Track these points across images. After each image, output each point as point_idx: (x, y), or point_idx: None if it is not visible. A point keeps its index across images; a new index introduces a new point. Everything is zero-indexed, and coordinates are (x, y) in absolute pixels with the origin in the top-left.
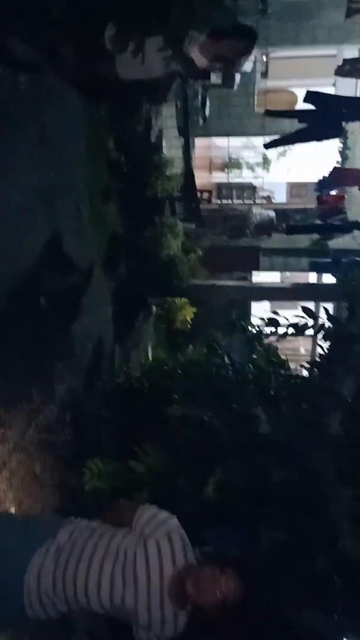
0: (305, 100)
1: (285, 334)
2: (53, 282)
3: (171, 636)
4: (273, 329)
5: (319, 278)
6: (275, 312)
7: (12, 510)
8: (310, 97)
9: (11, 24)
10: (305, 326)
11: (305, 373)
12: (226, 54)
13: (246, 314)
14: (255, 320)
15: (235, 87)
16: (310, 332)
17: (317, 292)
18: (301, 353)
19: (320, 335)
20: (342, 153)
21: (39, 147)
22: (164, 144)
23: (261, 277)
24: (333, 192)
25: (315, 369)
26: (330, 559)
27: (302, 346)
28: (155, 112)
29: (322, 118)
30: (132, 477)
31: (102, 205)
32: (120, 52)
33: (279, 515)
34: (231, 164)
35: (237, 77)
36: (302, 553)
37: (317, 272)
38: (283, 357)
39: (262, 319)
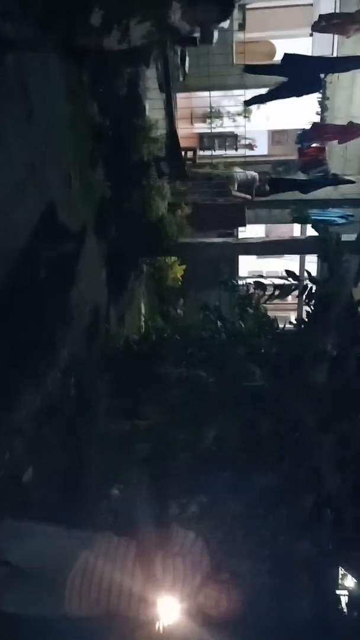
0: (283, 62)
1: (272, 295)
2: (49, 252)
3: None
4: (260, 292)
5: (303, 230)
6: (261, 276)
7: (30, 471)
8: (287, 59)
9: None
10: (290, 288)
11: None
12: (205, 20)
13: (234, 269)
14: (243, 276)
15: (214, 42)
16: (294, 293)
17: (301, 246)
18: (289, 301)
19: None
20: (322, 103)
21: (28, 122)
22: (146, 106)
23: (247, 233)
24: (314, 145)
25: (301, 326)
26: (318, 497)
27: (290, 296)
28: (137, 75)
29: (301, 74)
30: (136, 434)
31: (90, 171)
32: (106, 36)
33: (269, 462)
34: (212, 114)
35: (215, 33)
36: (292, 494)
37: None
38: (275, 312)
39: (250, 283)
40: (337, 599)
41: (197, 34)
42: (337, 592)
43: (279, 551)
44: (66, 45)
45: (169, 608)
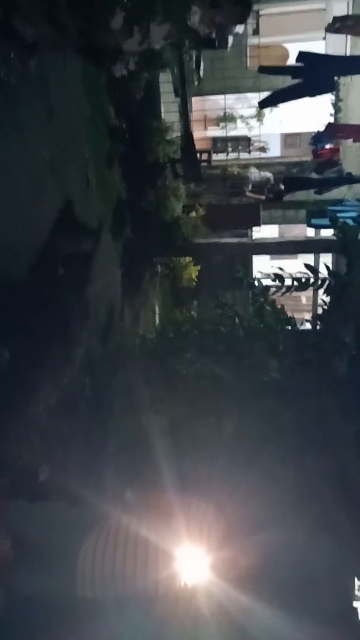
0: (298, 60)
1: (290, 288)
2: (67, 249)
3: None
4: (278, 284)
5: (317, 231)
6: (280, 269)
7: (45, 467)
8: (302, 57)
9: (20, 9)
10: (308, 282)
11: (308, 326)
12: (223, 22)
13: (248, 269)
14: (258, 276)
15: (229, 47)
16: (309, 294)
17: (315, 245)
18: (303, 303)
19: (321, 290)
20: (335, 105)
21: (48, 121)
22: (162, 108)
23: (261, 233)
24: (328, 145)
25: (318, 321)
26: (339, 490)
27: (304, 296)
28: (153, 79)
29: (315, 74)
30: (154, 430)
31: (107, 171)
32: (127, 38)
33: (291, 455)
34: (226, 118)
35: (230, 38)
36: (314, 487)
37: (315, 229)
38: (289, 313)
39: (268, 275)
40: (355, 611)
41: (214, 36)
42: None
43: (302, 549)
44: (87, 48)
45: (188, 571)
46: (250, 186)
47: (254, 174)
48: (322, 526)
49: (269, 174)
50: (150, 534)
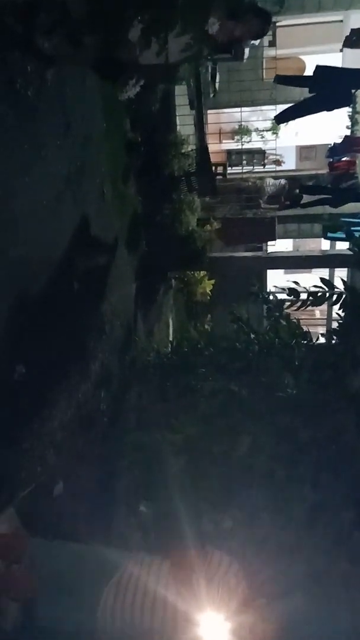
0: (315, 74)
1: (305, 303)
2: (83, 264)
3: None
4: (293, 299)
5: (332, 245)
6: (295, 282)
7: (61, 484)
8: (319, 70)
9: (37, 20)
10: (324, 296)
11: (323, 340)
12: (242, 35)
13: (263, 283)
14: (273, 290)
15: (245, 59)
16: (323, 308)
17: (331, 259)
18: (317, 317)
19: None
20: (352, 117)
21: (65, 136)
22: (177, 122)
23: (276, 247)
24: (344, 158)
25: (334, 336)
26: (356, 512)
27: (318, 310)
28: (168, 92)
29: (332, 87)
30: (169, 447)
31: (122, 185)
32: (145, 50)
33: (307, 474)
34: (241, 131)
35: (246, 50)
36: (331, 508)
37: (331, 241)
38: (304, 328)
39: (283, 289)
40: None
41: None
42: None
43: (318, 571)
44: (104, 61)
45: (206, 629)
46: (266, 197)
47: (270, 186)
48: (340, 551)
49: (284, 181)
50: (167, 588)
